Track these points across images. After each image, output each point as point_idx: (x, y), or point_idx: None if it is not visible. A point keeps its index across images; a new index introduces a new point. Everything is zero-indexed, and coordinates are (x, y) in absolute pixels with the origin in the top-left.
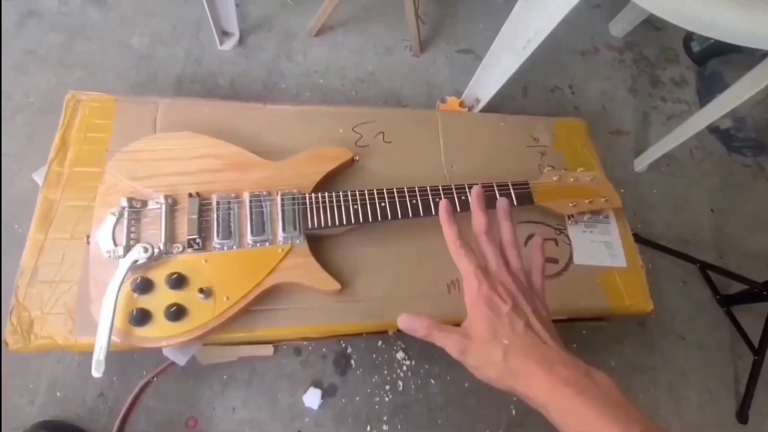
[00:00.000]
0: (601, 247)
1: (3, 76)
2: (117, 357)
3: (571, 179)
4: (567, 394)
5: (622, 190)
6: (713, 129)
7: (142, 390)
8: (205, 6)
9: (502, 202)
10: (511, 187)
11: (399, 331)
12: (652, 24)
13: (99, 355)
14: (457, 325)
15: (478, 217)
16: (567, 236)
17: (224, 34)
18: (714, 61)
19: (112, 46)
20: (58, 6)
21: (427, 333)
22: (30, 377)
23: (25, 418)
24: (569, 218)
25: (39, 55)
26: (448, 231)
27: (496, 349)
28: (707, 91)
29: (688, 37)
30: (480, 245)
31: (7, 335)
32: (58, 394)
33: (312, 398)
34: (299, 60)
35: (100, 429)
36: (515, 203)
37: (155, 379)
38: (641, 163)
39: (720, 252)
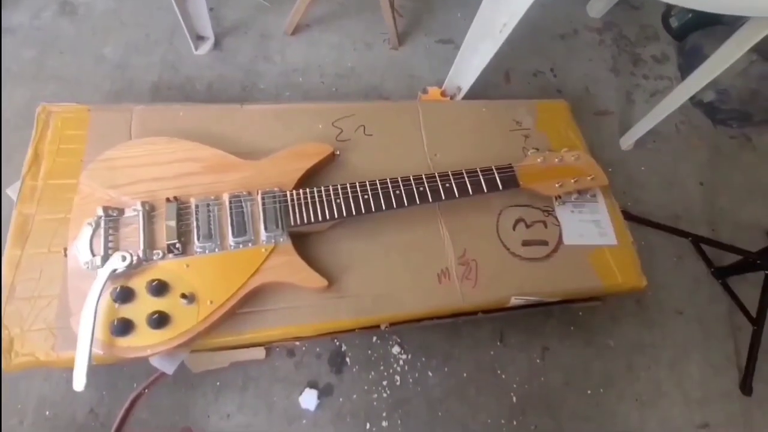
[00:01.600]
0: (590, 226)
1: None
2: (106, 370)
3: (556, 160)
4: None
5: (611, 170)
6: (697, 103)
7: (133, 403)
8: (177, 12)
9: None
10: (495, 171)
11: (393, 324)
12: (629, 3)
13: (80, 368)
14: (453, 316)
15: None
16: (555, 217)
17: (199, 38)
18: (694, 35)
19: (86, 58)
20: (30, 20)
21: None
22: (18, 397)
23: None
24: (556, 199)
25: (12, 71)
26: None
27: None
28: (689, 66)
29: (667, 13)
30: None
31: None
32: (47, 413)
33: (308, 399)
34: (277, 60)
35: None
36: (500, 187)
37: (146, 390)
38: (627, 141)
39: (712, 225)
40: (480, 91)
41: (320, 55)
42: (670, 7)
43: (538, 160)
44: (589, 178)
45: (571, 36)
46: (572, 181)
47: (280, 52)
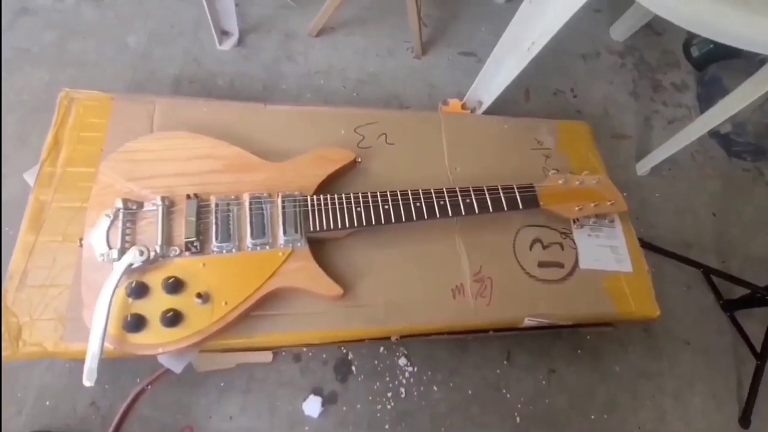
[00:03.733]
0: (606, 252)
1: None
2: (110, 364)
3: (577, 182)
4: None
5: (625, 194)
6: (714, 133)
7: (135, 398)
8: (205, 5)
9: None
10: (516, 190)
11: (402, 337)
12: (652, 28)
13: (91, 363)
14: (464, 332)
15: None
16: (572, 240)
17: (223, 33)
18: (714, 66)
19: (108, 45)
20: (52, 3)
21: None
22: (18, 386)
23: (13, 429)
24: (574, 222)
25: (33, 53)
26: None
27: None
28: (707, 96)
29: (688, 42)
30: None
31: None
32: (48, 403)
33: (312, 406)
34: (300, 61)
35: None
36: (521, 206)
37: (149, 387)
38: (643, 166)
39: (722, 256)
40: (499, 106)
41: (343, 58)
42: (691, 37)
43: (560, 181)
44: (609, 203)
45: (592, 57)
46: (592, 205)
47: (303, 53)
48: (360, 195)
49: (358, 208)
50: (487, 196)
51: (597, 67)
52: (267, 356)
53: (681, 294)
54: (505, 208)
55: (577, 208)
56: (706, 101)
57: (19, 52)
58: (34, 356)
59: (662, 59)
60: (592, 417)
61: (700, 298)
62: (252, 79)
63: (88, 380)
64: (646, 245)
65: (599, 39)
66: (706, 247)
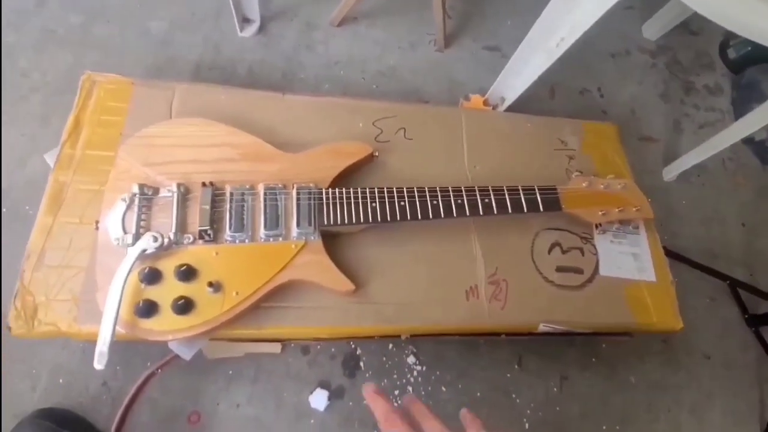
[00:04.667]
0: (629, 259)
1: (22, 54)
2: (122, 347)
3: (601, 186)
4: None
5: (650, 200)
6: (748, 140)
7: (145, 381)
8: None
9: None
10: (537, 191)
11: (413, 335)
12: (687, 28)
13: (102, 346)
14: (477, 334)
15: (374, 406)
16: (593, 246)
17: (245, 20)
18: (751, 69)
19: (131, 30)
20: None
21: None
22: (33, 362)
23: (26, 404)
24: (596, 227)
25: (58, 34)
26: (380, 405)
27: None
28: (743, 101)
29: (725, 43)
30: None
31: (10, 320)
32: (61, 380)
33: (318, 399)
34: (320, 50)
35: (102, 419)
36: (541, 209)
37: (159, 371)
38: (671, 172)
39: (750, 269)
40: (522, 103)
41: (364, 50)
42: (729, 38)
43: (584, 184)
44: (634, 209)
45: (622, 56)
46: (617, 210)
47: (323, 43)
48: (376, 190)
49: (374, 204)
50: (507, 196)
51: (626, 66)
52: (276, 347)
53: (704, 306)
54: (525, 210)
55: (600, 213)
56: (741, 106)
57: (45, 33)
58: (48, 335)
59: (696, 60)
60: (604, 427)
61: (724, 311)
62: (271, 67)
63: (98, 363)
64: (670, 254)
65: (630, 37)
66: (733, 259)
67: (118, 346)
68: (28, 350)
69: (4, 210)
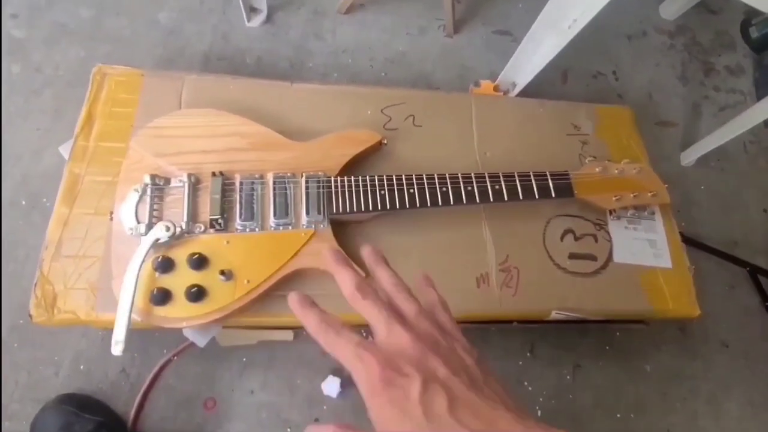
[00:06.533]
0: (644, 245)
1: (35, 48)
2: (139, 335)
3: (616, 171)
4: None
5: (667, 186)
6: None
7: (162, 368)
8: None
9: (366, 251)
10: (549, 177)
11: None
12: (707, 6)
13: (119, 334)
14: (488, 321)
15: (342, 277)
16: (607, 232)
17: (252, 10)
18: None
19: (141, 22)
20: None
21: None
22: (56, 349)
23: (50, 389)
24: (610, 213)
25: (70, 28)
26: (310, 315)
27: None
28: (766, 82)
29: (747, 21)
30: (359, 311)
31: (31, 308)
32: (82, 367)
33: (331, 387)
34: (328, 39)
35: (121, 404)
36: (553, 195)
37: (175, 358)
38: (689, 157)
39: None
40: (534, 88)
41: (372, 37)
42: (750, 16)
43: (597, 169)
44: (650, 194)
45: (638, 37)
46: (631, 195)
47: (331, 31)
48: (385, 178)
49: (383, 191)
50: (518, 183)
51: (643, 47)
52: (288, 335)
53: (722, 293)
54: (537, 197)
55: (614, 199)
56: (764, 87)
57: (57, 27)
58: (67, 324)
59: (716, 40)
60: (618, 416)
61: (744, 298)
62: (279, 57)
63: (116, 350)
64: (688, 240)
65: (647, 17)
66: (754, 246)
67: (134, 334)
68: (51, 338)
69: (23, 202)
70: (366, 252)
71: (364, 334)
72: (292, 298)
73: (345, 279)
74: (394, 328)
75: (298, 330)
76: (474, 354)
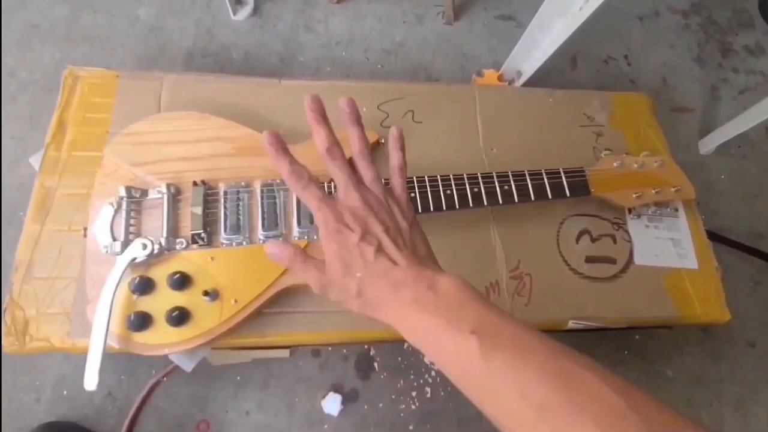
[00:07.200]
0: (667, 245)
1: (7, 51)
2: (124, 356)
3: (635, 165)
4: (412, 313)
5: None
6: None
7: (151, 390)
8: None
9: (343, 102)
10: (563, 175)
11: None
12: None
13: (92, 365)
14: None
15: (317, 134)
16: (627, 232)
17: (238, 2)
18: None
19: (119, 19)
20: None
21: (290, 263)
22: (36, 374)
23: (32, 417)
24: (629, 211)
25: (43, 29)
26: (282, 164)
27: (351, 284)
28: None
29: None
30: (327, 168)
31: (1, 336)
32: (65, 392)
33: (332, 404)
34: (319, 30)
35: (108, 430)
36: (567, 194)
37: (165, 379)
38: (708, 144)
39: None
40: (541, 77)
41: (366, 27)
42: None
43: (615, 164)
44: (673, 189)
45: (651, 18)
46: (653, 191)
47: (323, 22)
48: (383, 181)
49: None
50: (529, 182)
51: (656, 29)
52: (284, 352)
53: (747, 290)
54: (550, 197)
55: (634, 196)
56: None
57: (30, 28)
58: (41, 351)
59: (734, 19)
60: None
61: None
62: (268, 51)
63: (89, 385)
64: (709, 234)
65: None
66: None
67: (120, 356)
68: (30, 362)
69: None
70: (344, 103)
71: (366, 346)
72: (267, 139)
73: (321, 137)
74: (350, 190)
75: (293, 347)
76: (409, 217)
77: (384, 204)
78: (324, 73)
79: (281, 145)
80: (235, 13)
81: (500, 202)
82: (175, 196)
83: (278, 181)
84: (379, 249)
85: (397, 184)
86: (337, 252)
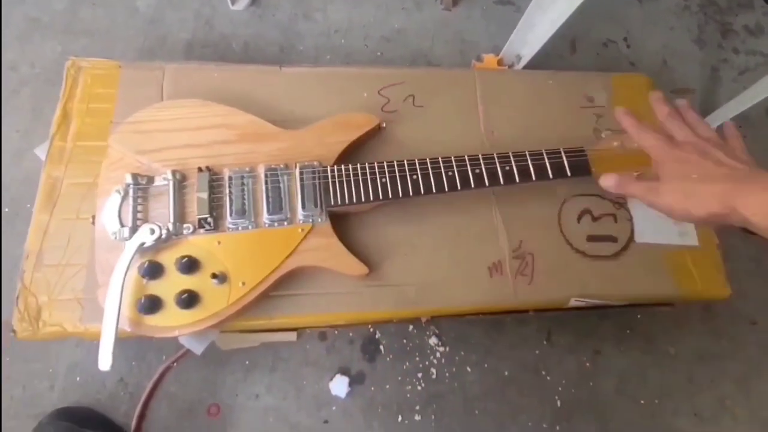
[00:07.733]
0: (668, 223)
1: (8, 46)
2: (135, 341)
3: (636, 144)
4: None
5: None
6: None
7: (162, 376)
8: None
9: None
10: (563, 154)
11: (433, 317)
12: None
13: (106, 348)
14: (502, 312)
15: (659, 108)
16: (627, 211)
17: None
18: None
19: (119, 10)
20: None
21: (619, 188)
22: (50, 361)
23: (46, 403)
24: None
25: (43, 22)
26: (627, 120)
27: (687, 184)
28: None
29: None
30: (666, 125)
31: (14, 323)
32: (78, 378)
33: (339, 386)
34: (318, 18)
35: (121, 415)
36: (569, 174)
37: (175, 364)
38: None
39: None
40: (540, 61)
41: (365, 14)
42: None
43: (615, 143)
44: None
45: (650, 0)
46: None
47: (321, 10)
48: (385, 164)
49: (384, 179)
50: (530, 162)
51: (655, 10)
52: (291, 335)
53: (748, 268)
54: (551, 176)
55: (635, 175)
56: None
57: (29, 22)
58: (54, 337)
59: None
60: (642, 402)
61: None
62: (267, 40)
63: (103, 365)
64: None
65: None
66: None
67: (131, 341)
68: (44, 349)
69: (6, 210)
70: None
71: (371, 329)
72: (622, 112)
73: (663, 113)
74: (687, 136)
75: (300, 330)
76: (719, 144)
77: (719, 143)
78: (323, 61)
79: (628, 111)
80: (233, 3)
81: (501, 182)
82: (180, 182)
83: (282, 165)
84: (718, 161)
85: (702, 130)
86: (675, 169)
